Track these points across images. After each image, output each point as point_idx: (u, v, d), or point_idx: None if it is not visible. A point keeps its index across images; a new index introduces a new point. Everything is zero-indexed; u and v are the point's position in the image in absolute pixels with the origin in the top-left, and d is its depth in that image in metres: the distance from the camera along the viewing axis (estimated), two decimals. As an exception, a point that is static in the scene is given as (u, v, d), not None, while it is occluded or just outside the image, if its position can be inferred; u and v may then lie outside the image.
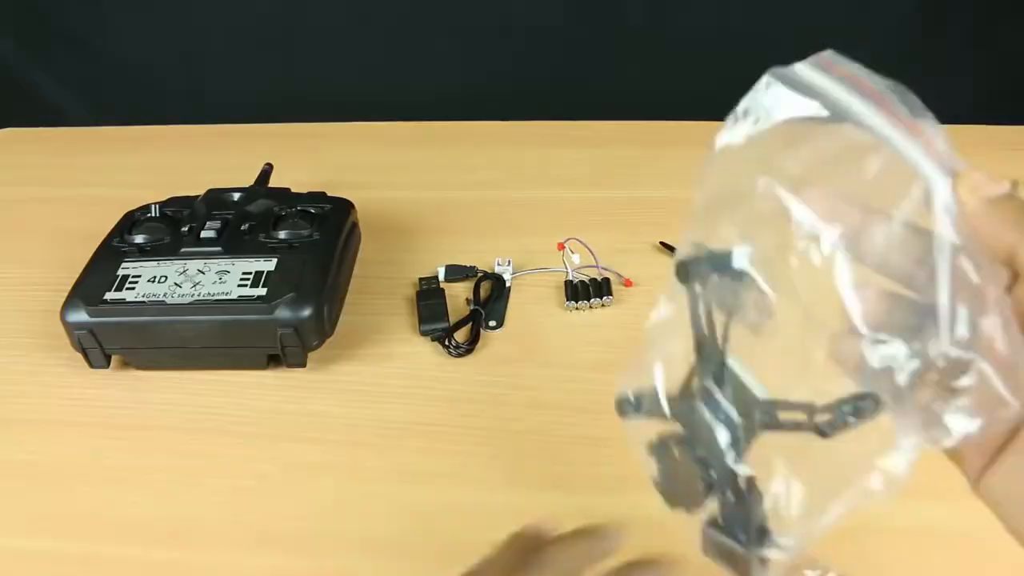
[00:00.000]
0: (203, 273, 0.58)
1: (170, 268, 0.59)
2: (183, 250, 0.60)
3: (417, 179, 0.82)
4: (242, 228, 0.62)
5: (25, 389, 0.59)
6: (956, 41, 1.02)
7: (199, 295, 0.57)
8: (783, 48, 1.07)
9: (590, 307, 0.64)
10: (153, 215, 0.64)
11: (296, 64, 1.06)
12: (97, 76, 1.07)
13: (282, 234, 0.61)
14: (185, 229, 0.62)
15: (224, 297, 0.56)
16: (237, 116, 0.90)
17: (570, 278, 0.65)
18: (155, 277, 0.58)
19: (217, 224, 0.62)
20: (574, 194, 0.78)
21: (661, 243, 0.70)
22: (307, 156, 0.83)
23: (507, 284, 0.66)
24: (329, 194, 0.67)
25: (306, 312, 0.56)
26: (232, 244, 0.61)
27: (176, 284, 0.57)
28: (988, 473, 0.28)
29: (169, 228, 0.62)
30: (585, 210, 0.75)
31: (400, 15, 1.01)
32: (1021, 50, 1.01)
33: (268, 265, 0.59)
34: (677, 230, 0.77)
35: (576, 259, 0.66)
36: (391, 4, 1.00)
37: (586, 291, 0.64)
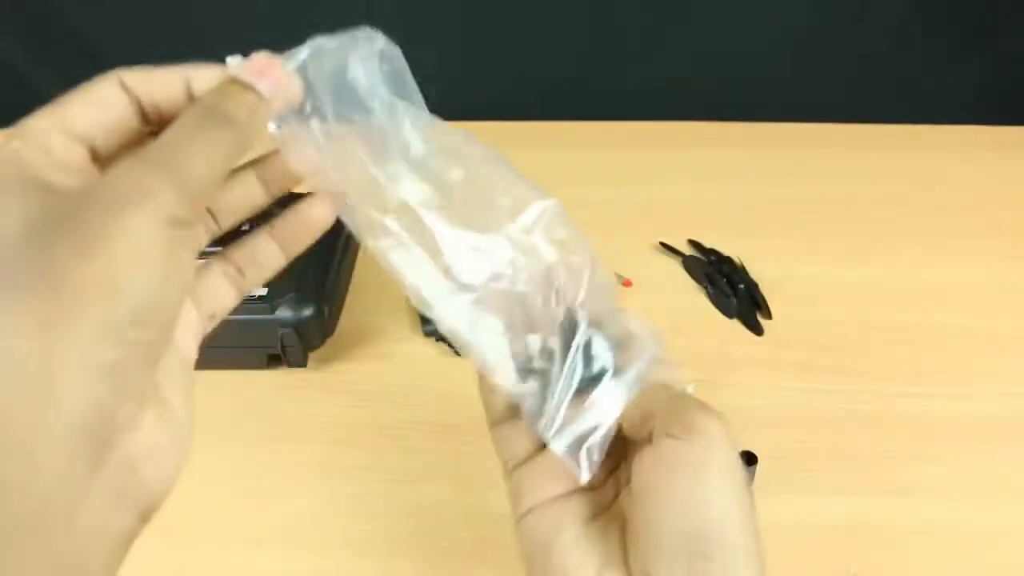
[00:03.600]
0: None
1: None
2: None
3: (417, 179, 0.82)
4: (242, 228, 0.63)
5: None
6: (956, 41, 1.02)
7: None
8: (784, 48, 1.09)
9: (590, 307, 0.64)
10: None
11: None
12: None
13: None
14: None
15: None
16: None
17: (570, 278, 0.65)
18: None
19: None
20: (574, 194, 0.77)
21: (661, 243, 0.70)
22: (307, 156, 0.83)
23: (507, 284, 0.66)
24: None
25: (307, 312, 0.56)
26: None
27: None
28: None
29: None
30: (585, 210, 0.74)
31: (399, 15, 1.01)
32: (1021, 50, 1.01)
33: None
34: (677, 230, 0.78)
35: (576, 259, 0.66)
36: (391, 5, 1.00)
37: (586, 291, 0.64)
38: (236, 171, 0.31)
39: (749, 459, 0.47)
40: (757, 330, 0.61)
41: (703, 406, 0.29)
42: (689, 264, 0.68)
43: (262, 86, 0.28)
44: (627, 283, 0.66)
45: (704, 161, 0.82)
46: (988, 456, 0.52)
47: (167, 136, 0.25)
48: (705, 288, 0.65)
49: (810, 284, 0.65)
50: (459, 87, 1.06)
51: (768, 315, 0.62)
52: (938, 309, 0.63)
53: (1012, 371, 0.58)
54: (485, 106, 0.90)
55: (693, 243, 0.70)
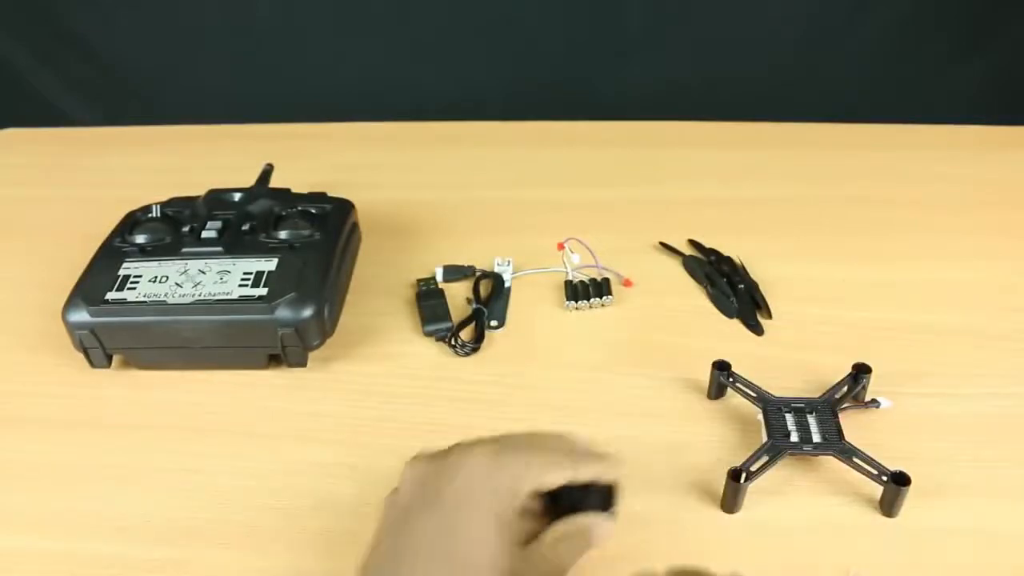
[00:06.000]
0: (204, 273, 0.58)
1: (171, 268, 0.59)
2: (184, 250, 0.60)
3: (417, 179, 0.82)
4: (243, 228, 0.63)
5: (26, 388, 0.59)
6: (956, 41, 1.02)
7: (200, 295, 0.57)
8: (783, 48, 1.09)
9: (590, 307, 0.64)
10: (154, 215, 0.64)
11: (296, 64, 1.06)
12: (98, 76, 1.07)
13: (283, 234, 0.62)
14: (186, 229, 0.62)
15: (225, 297, 0.56)
16: (237, 116, 0.90)
17: (570, 278, 0.65)
18: (156, 277, 0.58)
19: (218, 224, 0.62)
20: (574, 194, 0.78)
21: (661, 243, 0.70)
22: (307, 156, 0.83)
23: (507, 284, 0.66)
24: (329, 194, 0.67)
25: (307, 312, 0.56)
26: (233, 244, 0.61)
27: (177, 284, 0.57)
28: None
29: (170, 228, 0.62)
30: (585, 210, 0.75)
31: (400, 16, 1.01)
32: (1021, 50, 1.01)
33: (269, 265, 0.59)
34: (677, 230, 0.78)
35: (576, 259, 0.66)
36: (391, 5, 1.00)
37: (586, 291, 0.64)
38: None
39: (900, 480, 0.47)
40: (757, 330, 0.61)
41: None
42: (689, 264, 0.68)
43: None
44: (627, 283, 0.66)
45: (704, 161, 0.82)
46: (988, 456, 0.52)
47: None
48: (705, 288, 0.65)
49: (810, 284, 0.65)
50: (460, 87, 1.06)
51: (768, 315, 0.62)
52: (938, 309, 0.63)
53: (1012, 371, 0.58)
54: (486, 106, 0.90)
55: (693, 243, 0.70)
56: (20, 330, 0.63)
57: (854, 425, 0.52)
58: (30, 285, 0.67)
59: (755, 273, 0.66)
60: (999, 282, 0.66)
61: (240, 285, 0.57)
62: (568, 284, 0.65)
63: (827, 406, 0.52)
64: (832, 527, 0.48)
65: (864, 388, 0.54)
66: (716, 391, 0.55)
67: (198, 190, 0.67)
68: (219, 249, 0.60)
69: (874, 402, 0.54)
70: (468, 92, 1.01)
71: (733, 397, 0.55)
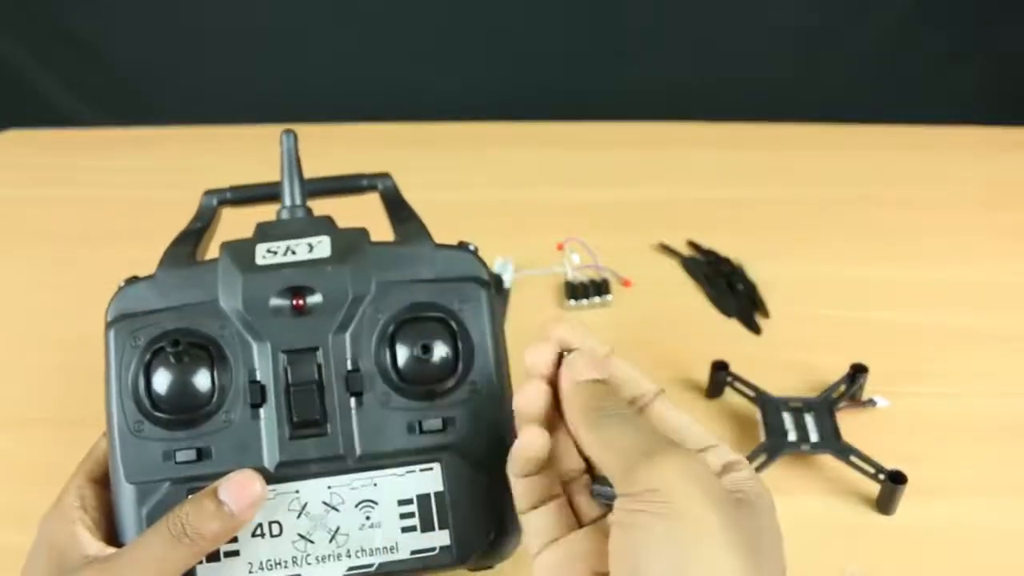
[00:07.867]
0: (333, 508, 0.34)
1: (278, 502, 0.33)
2: (283, 462, 0.34)
3: (417, 179, 0.81)
4: (348, 385, 0.35)
5: (23, 388, 0.59)
6: (956, 41, 1.02)
7: (352, 555, 0.33)
8: (783, 48, 1.09)
9: (590, 307, 0.64)
10: (177, 346, 0.33)
11: (296, 64, 1.06)
12: (98, 76, 1.07)
13: (412, 386, 0.35)
14: (250, 400, 0.34)
15: (393, 558, 0.33)
16: (237, 116, 0.90)
17: (570, 278, 0.65)
18: (261, 527, 0.33)
19: (312, 394, 0.34)
20: (574, 194, 0.78)
21: (661, 243, 0.70)
22: (308, 156, 0.83)
23: (507, 284, 0.66)
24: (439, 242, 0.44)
25: (509, 548, 0.36)
26: (347, 433, 0.34)
27: (301, 538, 0.33)
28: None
29: (214, 378, 0.34)
30: (585, 210, 0.75)
31: (400, 16, 1.01)
32: (1021, 50, 1.02)
33: (431, 481, 0.34)
34: (677, 230, 0.78)
35: (576, 259, 0.66)
36: (391, 5, 1.01)
37: (585, 291, 0.64)
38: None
39: (897, 478, 0.47)
40: (756, 330, 0.61)
41: (667, 449, 0.29)
42: (688, 264, 0.68)
43: (235, 505, 0.31)
44: (626, 283, 0.66)
45: (704, 161, 0.82)
46: (987, 456, 0.52)
47: (133, 548, 0.32)
48: (704, 288, 0.65)
49: (808, 284, 0.65)
50: (460, 87, 1.06)
51: (767, 315, 0.63)
52: (937, 309, 0.63)
53: (1012, 371, 0.58)
54: (485, 106, 0.90)
55: (692, 244, 0.70)
56: (17, 329, 0.63)
57: (851, 424, 0.52)
58: (30, 285, 0.67)
59: (754, 273, 0.66)
60: (999, 282, 0.66)
61: (404, 530, 0.34)
62: (568, 284, 0.65)
63: (824, 405, 0.52)
64: (829, 526, 0.48)
65: (861, 388, 0.54)
66: (714, 390, 0.56)
67: (199, 191, 0.66)
68: (335, 449, 0.34)
69: (871, 401, 0.54)
70: (468, 92, 1.01)
71: (731, 396, 0.55)
